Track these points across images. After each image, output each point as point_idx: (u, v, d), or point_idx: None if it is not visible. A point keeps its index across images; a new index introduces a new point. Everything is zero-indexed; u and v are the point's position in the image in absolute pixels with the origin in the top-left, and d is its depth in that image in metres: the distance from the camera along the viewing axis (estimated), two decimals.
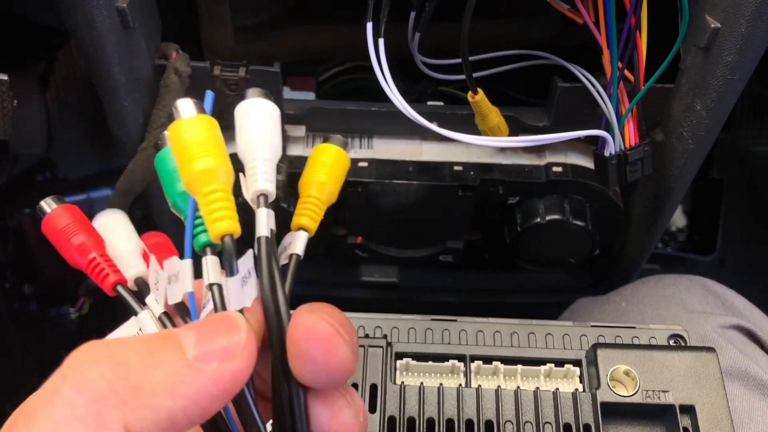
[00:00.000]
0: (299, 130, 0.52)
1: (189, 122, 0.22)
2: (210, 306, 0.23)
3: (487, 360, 0.39)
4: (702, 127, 0.44)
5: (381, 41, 0.41)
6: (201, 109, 0.23)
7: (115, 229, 0.26)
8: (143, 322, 0.25)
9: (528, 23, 0.54)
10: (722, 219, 0.91)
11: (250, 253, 0.23)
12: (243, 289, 0.22)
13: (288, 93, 0.54)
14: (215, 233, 0.22)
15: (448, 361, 0.39)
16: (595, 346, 0.38)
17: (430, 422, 0.37)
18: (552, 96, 0.48)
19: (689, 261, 0.91)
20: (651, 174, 0.46)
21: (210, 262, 0.23)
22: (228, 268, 0.22)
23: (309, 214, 0.27)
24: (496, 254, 0.59)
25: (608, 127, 0.44)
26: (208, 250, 0.23)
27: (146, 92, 0.46)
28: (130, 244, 0.26)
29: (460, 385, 0.38)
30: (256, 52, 0.54)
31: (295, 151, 0.52)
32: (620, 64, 0.43)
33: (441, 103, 0.52)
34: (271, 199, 0.24)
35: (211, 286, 0.23)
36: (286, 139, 0.53)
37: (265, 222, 0.23)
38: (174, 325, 0.25)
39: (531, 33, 0.55)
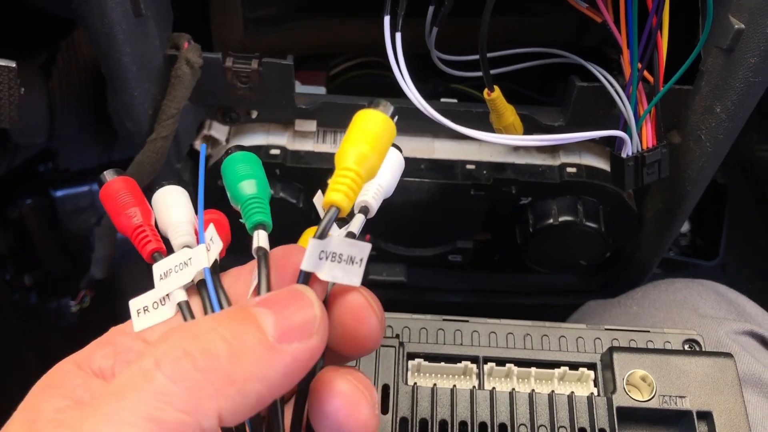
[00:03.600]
0: (310, 125, 0.51)
1: (382, 119, 0.25)
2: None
3: (501, 362, 0.38)
4: (721, 130, 0.44)
5: (398, 35, 0.41)
6: (393, 116, 0.26)
7: (173, 201, 0.28)
8: (194, 254, 0.26)
9: (543, 21, 0.54)
10: (726, 224, 0.90)
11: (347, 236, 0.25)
12: (330, 263, 0.24)
13: (298, 87, 0.54)
14: (326, 199, 0.24)
15: (460, 362, 0.38)
16: (611, 350, 0.37)
17: (443, 424, 0.36)
18: (569, 95, 0.47)
19: (691, 266, 0.90)
20: (666, 177, 0.45)
21: (260, 234, 0.26)
22: (319, 230, 0.24)
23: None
24: (505, 255, 0.58)
25: (626, 128, 0.44)
26: (259, 226, 0.26)
27: (157, 82, 0.45)
28: (183, 216, 0.28)
29: (474, 387, 0.37)
30: (266, 46, 0.53)
31: (305, 146, 0.51)
32: (639, 65, 0.42)
33: (455, 101, 0.51)
34: (370, 215, 0.27)
35: (258, 249, 0.25)
36: (296, 133, 0.52)
37: (357, 224, 0.26)
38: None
39: (546, 31, 0.54)
